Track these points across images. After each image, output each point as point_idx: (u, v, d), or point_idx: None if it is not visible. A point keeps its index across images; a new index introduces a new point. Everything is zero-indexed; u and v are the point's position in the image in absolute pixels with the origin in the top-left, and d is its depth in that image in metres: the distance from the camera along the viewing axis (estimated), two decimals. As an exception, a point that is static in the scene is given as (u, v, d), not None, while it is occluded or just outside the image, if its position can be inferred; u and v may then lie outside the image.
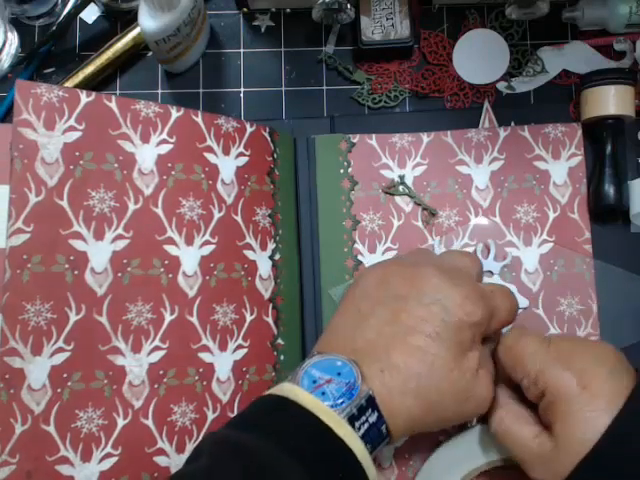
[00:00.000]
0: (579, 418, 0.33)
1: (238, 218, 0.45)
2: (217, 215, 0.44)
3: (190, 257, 0.43)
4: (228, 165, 0.45)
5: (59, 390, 0.39)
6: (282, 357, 0.45)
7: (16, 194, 0.39)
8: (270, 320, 0.45)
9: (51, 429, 0.38)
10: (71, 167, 0.41)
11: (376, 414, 0.33)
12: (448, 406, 0.35)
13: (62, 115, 0.41)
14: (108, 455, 0.39)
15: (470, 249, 0.48)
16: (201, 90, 0.52)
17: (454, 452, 0.42)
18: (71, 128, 0.41)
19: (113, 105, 0.42)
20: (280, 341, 0.45)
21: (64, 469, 0.38)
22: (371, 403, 0.33)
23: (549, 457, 0.34)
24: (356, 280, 0.41)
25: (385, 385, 0.34)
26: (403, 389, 0.34)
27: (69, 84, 0.50)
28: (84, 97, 0.42)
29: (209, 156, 0.45)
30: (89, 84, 0.51)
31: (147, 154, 0.43)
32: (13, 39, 0.51)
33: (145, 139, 0.43)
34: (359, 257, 0.48)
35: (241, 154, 0.46)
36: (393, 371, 0.34)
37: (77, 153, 0.41)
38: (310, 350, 0.46)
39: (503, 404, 0.38)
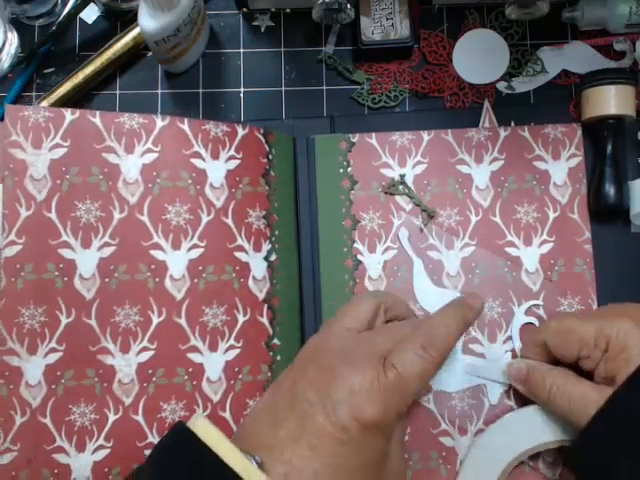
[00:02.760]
0: None
1: (229, 221, 0.45)
2: (205, 219, 0.45)
3: (177, 261, 0.44)
4: (217, 169, 0.46)
5: (53, 386, 0.41)
6: (279, 357, 0.45)
7: (8, 209, 0.42)
8: (265, 321, 0.45)
9: (47, 421, 0.41)
10: (58, 182, 0.43)
11: None
12: None
13: (48, 134, 0.43)
14: (101, 447, 0.42)
15: (470, 249, 0.48)
16: (201, 90, 0.52)
17: (502, 435, 0.43)
18: (57, 145, 0.43)
19: (97, 120, 0.44)
20: (276, 341, 0.45)
21: (61, 458, 0.41)
22: None
23: None
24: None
25: None
26: None
27: (69, 84, 0.50)
28: (69, 115, 0.44)
29: (196, 162, 0.45)
30: (89, 84, 0.51)
31: (132, 164, 0.44)
32: (13, 39, 0.51)
33: (129, 150, 0.44)
34: (359, 257, 0.48)
35: (232, 157, 0.46)
36: (295, 475, 0.32)
37: (63, 168, 0.43)
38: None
39: (555, 369, 0.40)
